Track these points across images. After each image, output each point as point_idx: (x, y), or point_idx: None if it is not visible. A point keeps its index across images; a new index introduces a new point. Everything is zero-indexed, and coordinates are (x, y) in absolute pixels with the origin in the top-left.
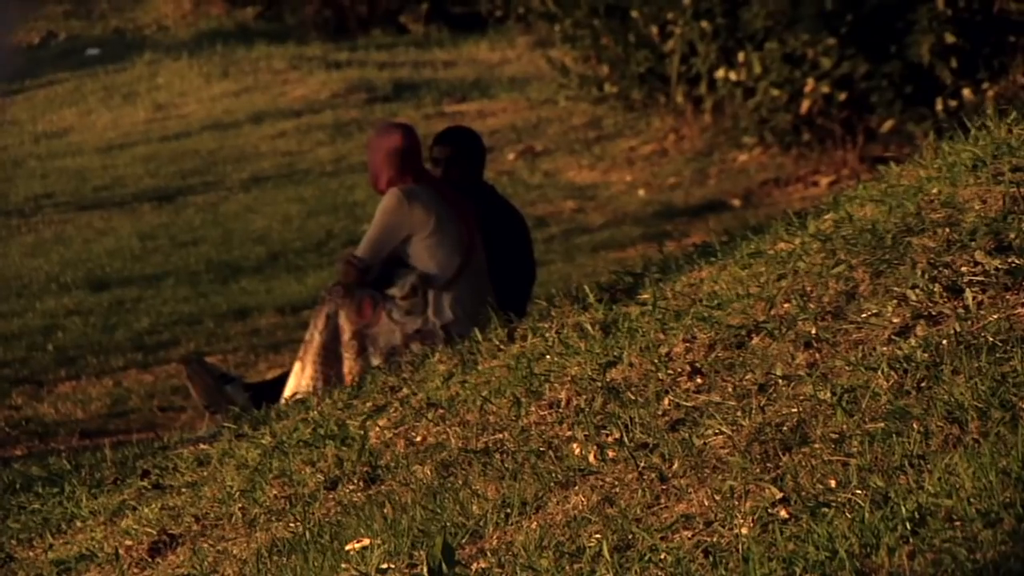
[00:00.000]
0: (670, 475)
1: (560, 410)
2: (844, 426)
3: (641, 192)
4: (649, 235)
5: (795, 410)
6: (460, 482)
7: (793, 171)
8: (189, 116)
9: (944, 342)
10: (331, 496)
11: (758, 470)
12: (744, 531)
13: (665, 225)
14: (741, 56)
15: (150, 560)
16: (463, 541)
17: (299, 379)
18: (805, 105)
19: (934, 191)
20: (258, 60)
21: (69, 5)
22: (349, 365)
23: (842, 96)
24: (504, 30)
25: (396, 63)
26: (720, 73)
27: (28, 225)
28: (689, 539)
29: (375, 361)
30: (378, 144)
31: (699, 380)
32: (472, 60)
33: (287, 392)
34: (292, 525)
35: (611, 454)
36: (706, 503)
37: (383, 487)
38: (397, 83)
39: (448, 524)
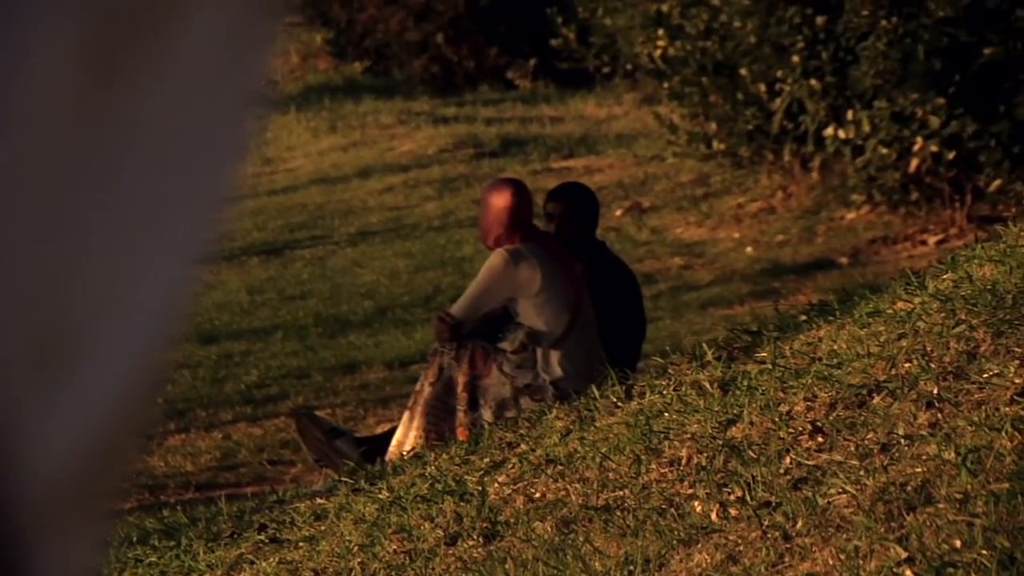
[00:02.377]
0: (793, 534)
1: (681, 468)
2: (968, 486)
3: (749, 249)
4: (757, 292)
5: (919, 470)
6: (581, 539)
7: (901, 230)
8: (297, 170)
9: None
10: (451, 552)
11: (882, 530)
12: None
13: (773, 283)
14: (850, 114)
15: None
16: None
17: (407, 430)
18: (914, 164)
19: None
20: (366, 115)
21: None
22: (460, 417)
23: (950, 155)
24: (611, 86)
25: (504, 118)
26: (829, 131)
27: None
28: None
29: (485, 414)
30: (488, 200)
31: (820, 439)
32: (579, 116)
33: (394, 441)
34: None
35: (733, 512)
36: (830, 562)
37: (503, 543)
38: (504, 138)
39: None
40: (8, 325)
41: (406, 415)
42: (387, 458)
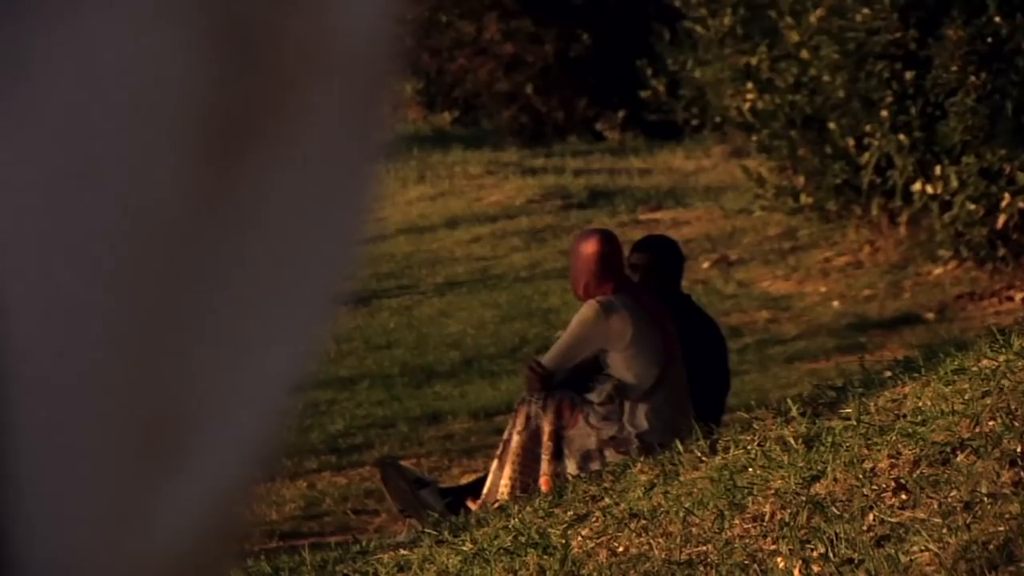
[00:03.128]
0: None
1: (764, 523)
2: None
3: (835, 304)
4: (843, 347)
5: (1001, 528)
6: None
7: (988, 285)
8: (385, 220)
9: None
10: None
11: None
12: None
13: (859, 337)
14: (938, 169)
15: None
16: None
17: (496, 478)
18: (1001, 220)
19: None
20: (454, 165)
21: None
22: (545, 466)
23: None
24: (700, 139)
25: (592, 170)
26: (916, 186)
27: None
28: None
29: (569, 465)
30: (578, 250)
31: (904, 496)
32: (667, 168)
33: (485, 490)
34: None
35: (816, 569)
36: None
37: None
38: (592, 190)
39: None
40: (119, 414)
41: (495, 464)
42: (477, 506)
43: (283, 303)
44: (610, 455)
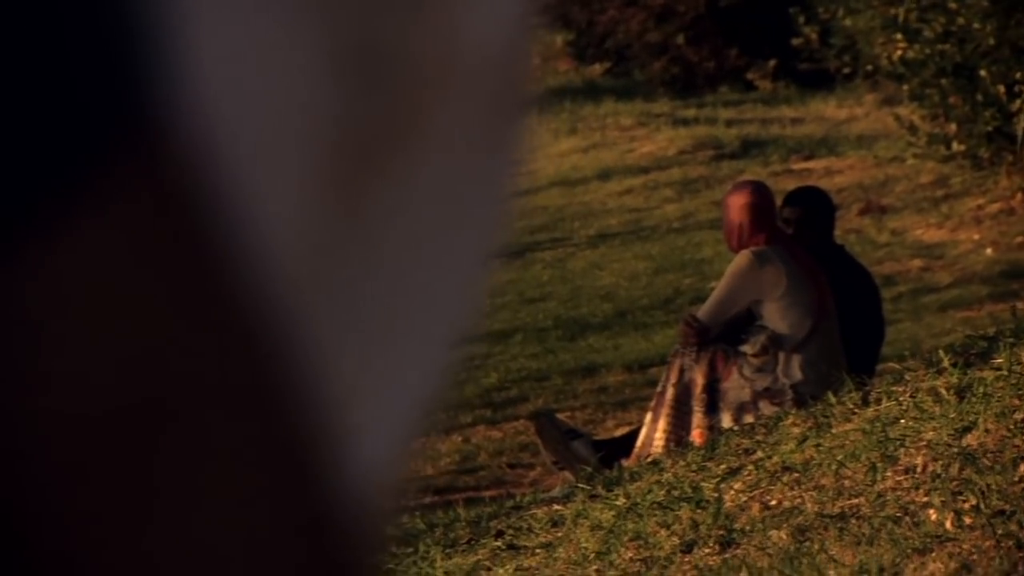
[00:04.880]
0: None
1: (916, 475)
2: None
3: (988, 251)
4: (996, 295)
5: None
6: (816, 547)
7: None
8: (537, 172)
9: None
10: (687, 559)
11: None
12: None
13: (1013, 285)
14: None
15: None
16: None
17: (650, 430)
18: None
19: None
20: (606, 117)
21: None
22: (698, 419)
23: None
24: (852, 87)
25: (744, 120)
26: None
27: None
28: None
29: (724, 418)
30: (731, 202)
31: None
32: (820, 117)
33: (639, 443)
34: None
35: (968, 521)
36: None
37: (739, 551)
38: (744, 140)
39: None
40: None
41: (649, 416)
42: (632, 458)
43: (426, 310)
44: (764, 407)
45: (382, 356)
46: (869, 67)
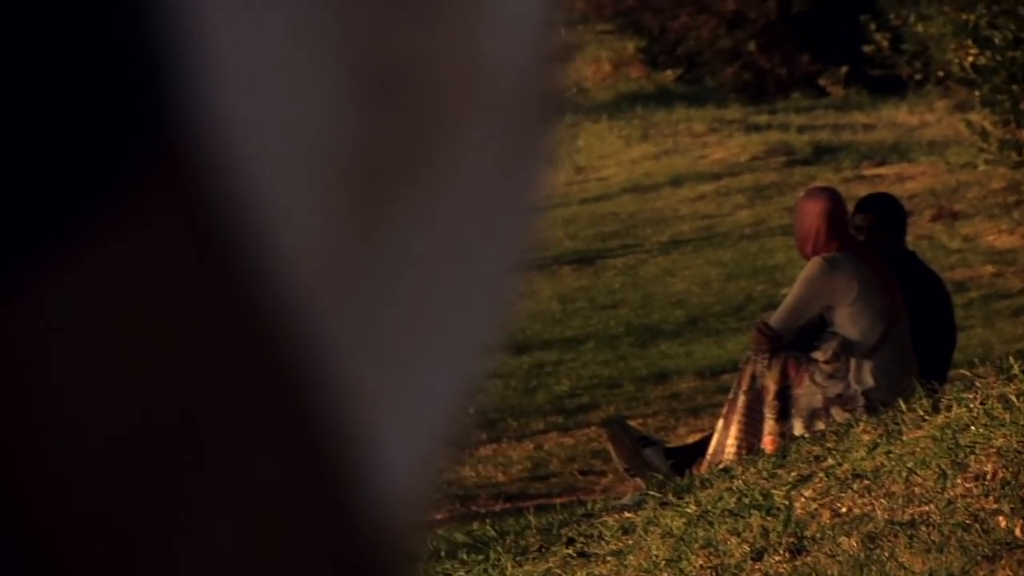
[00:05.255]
0: None
1: (986, 482)
2: None
3: None
4: None
5: None
6: (886, 554)
7: None
8: (609, 179)
9: None
10: (757, 567)
11: None
12: None
13: None
14: None
15: None
16: None
17: (722, 436)
18: None
19: None
20: (678, 123)
21: None
22: (770, 426)
23: None
24: (923, 93)
25: (815, 126)
26: None
27: None
28: None
29: (796, 424)
30: (805, 209)
31: None
32: (891, 123)
33: (710, 450)
34: None
35: None
36: None
37: (808, 558)
38: (816, 146)
39: None
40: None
41: (720, 423)
42: (703, 465)
43: (447, 325)
44: (836, 413)
45: (407, 369)
46: (940, 73)
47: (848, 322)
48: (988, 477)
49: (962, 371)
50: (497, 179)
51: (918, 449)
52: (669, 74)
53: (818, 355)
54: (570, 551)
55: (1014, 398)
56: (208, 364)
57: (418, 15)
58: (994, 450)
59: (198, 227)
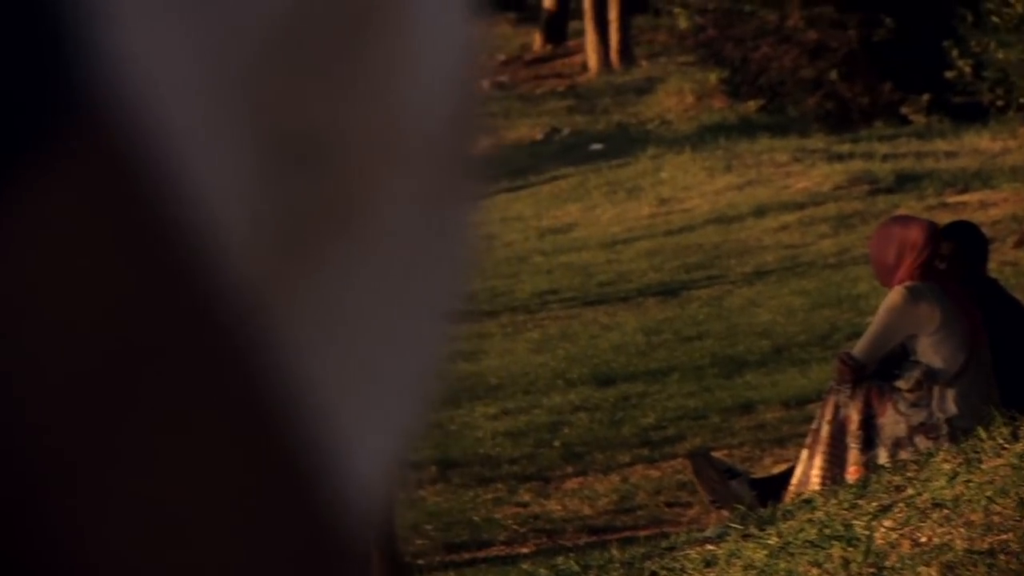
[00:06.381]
0: None
1: None
2: None
3: None
4: None
5: None
6: None
7: None
8: (693, 210)
9: None
10: None
11: None
12: None
13: None
14: None
15: None
16: None
17: (805, 467)
18: None
19: None
20: (761, 153)
21: (572, 100)
22: (855, 456)
23: None
24: (1005, 120)
25: (898, 154)
26: None
27: (534, 321)
28: None
29: (881, 453)
30: (896, 237)
31: None
32: (974, 150)
33: (794, 480)
34: None
35: None
36: None
37: None
38: (899, 174)
39: None
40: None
41: (804, 453)
42: (788, 496)
43: (380, 376)
44: (920, 442)
45: (347, 412)
46: (1022, 99)
47: (931, 351)
48: None
49: None
50: (421, 233)
51: (997, 478)
52: (751, 105)
53: (901, 384)
54: None
55: None
56: (140, 344)
57: (333, 82)
58: None
59: (116, 184)
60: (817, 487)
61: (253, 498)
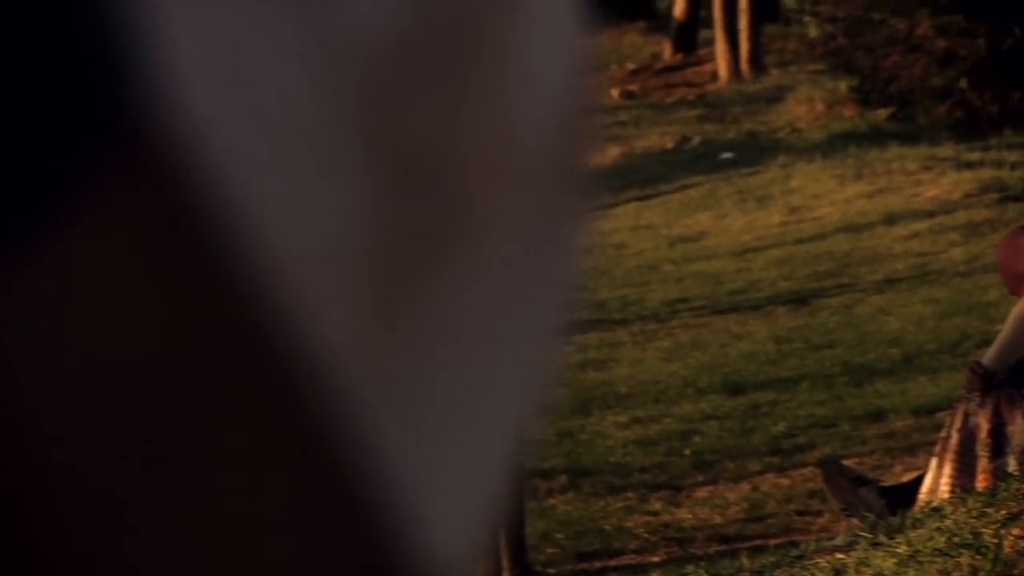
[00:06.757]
0: None
1: None
2: None
3: None
4: None
5: None
6: None
7: None
8: (823, 218)
9: None
10: None
11: None
12: None
13: None
14: None
15: None
16: None
17: (935, 476)
18: None
19: None
20: (891, 161)
21: (702, 109)
22: (983, 464)
23: None
24: None
25: None
26: None
27: (664, 330)
28: None
29: (1010, 461)
30: (1011, 246)
31: None
32: None
33: (923, 488)
34: None
35: None
36: None
37: None
38: None
39: None
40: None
41: (934, 462)
42: (918, 504)
43: (483, 407)
44: None
45: (443, 446)
46: None
47: None
48: None
49: None
50: (529, 253)
51: None
52: (881, 113)
53: None
54: None
55: None
56: (190, 374)
57: (445, 98)
58: None
59: (169, 218)
60: (947, 495)
61: (316, 554)
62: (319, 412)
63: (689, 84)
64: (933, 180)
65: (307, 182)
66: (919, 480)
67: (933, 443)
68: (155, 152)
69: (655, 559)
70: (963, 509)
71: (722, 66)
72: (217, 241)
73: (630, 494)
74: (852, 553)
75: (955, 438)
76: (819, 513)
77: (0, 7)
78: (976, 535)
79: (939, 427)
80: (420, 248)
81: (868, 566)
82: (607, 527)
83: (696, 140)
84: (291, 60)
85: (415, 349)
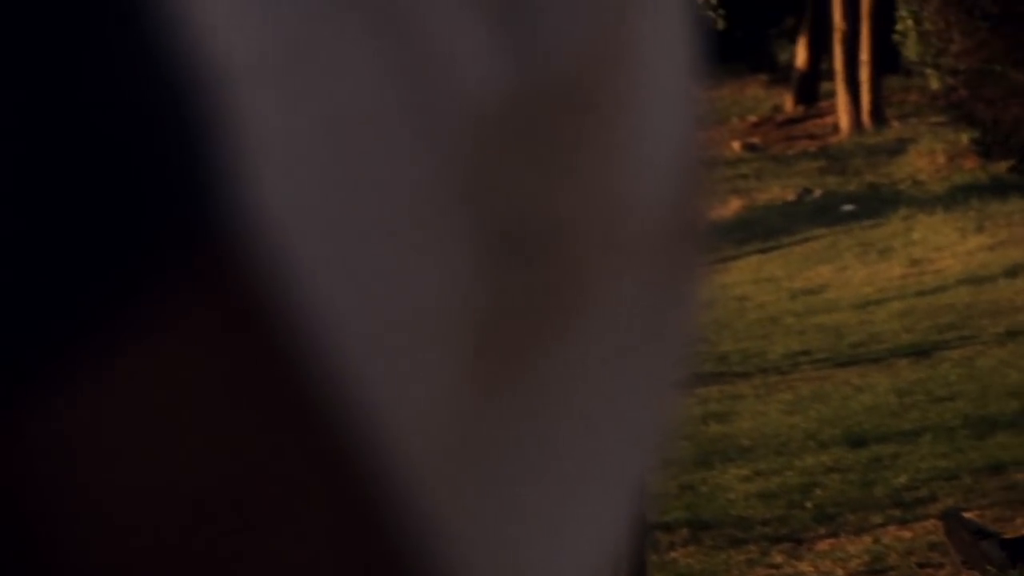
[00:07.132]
0: None
1: None
2: None
3: None
4: None
5: None
6: None
7: None
8: (944, 270)
9: None
10: None
11: None
12: None
13: None
14: None
15: None
16: None
17: None
18: None
19: None
20: (1012, 213)
21: (824, 161)
22: None
23: None
24: None
25: None
26: None
27: (786, 382)
28: None
29: None
30: None
31: None
32: None
33: None
34: None
35: None
36: None
37: None
38: None
39: None
40: None
41: None
42: None
43: (587, 485)
44: None
45: (549, 515)
46: None
47: None
48: None
49: None
50: (646, 312)
51: None
52: (1002, 165)
53: None
54: None
55: None
56: (264, 485)
57: (555, 163)
58: None
59: (243, 321)
60: None
61: None
62: (394, 525)
63: (811, 136)
64: None
65: (408, 259)
66: None
67: None
68: (232, 252)
69: None
70: None
71: (843, 118)
72: (293, 345)
73: (752, 547)
74: None
75: None
76: (940, 566)
77: (75, 103)
78: None
79: None
80: (529, 321)
81: None
82: None
83: (818, 192)
84: (395, 130)
85: (519, 419)
